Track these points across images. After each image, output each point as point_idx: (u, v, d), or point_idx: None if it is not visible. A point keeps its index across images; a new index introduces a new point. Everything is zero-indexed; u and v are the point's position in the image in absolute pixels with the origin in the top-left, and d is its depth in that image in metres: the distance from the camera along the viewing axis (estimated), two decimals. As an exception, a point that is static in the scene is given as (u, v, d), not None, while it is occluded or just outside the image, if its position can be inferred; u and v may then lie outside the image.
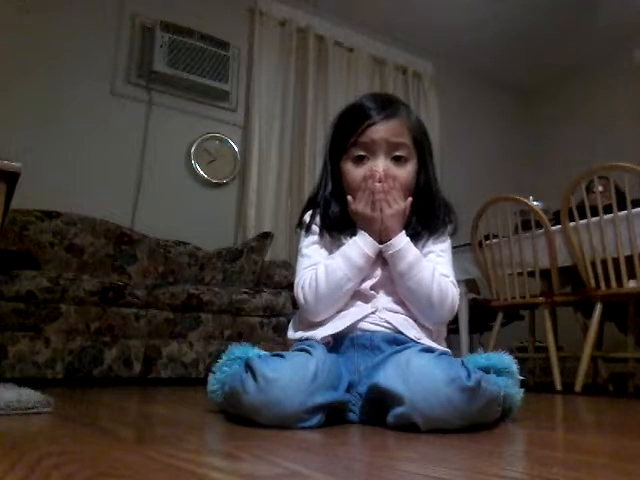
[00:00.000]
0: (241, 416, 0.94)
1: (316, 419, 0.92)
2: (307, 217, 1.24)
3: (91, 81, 3.13)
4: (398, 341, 1.08)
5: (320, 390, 0.92)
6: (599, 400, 2.08)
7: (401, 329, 1.10)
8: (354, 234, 1.16)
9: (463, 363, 0.93)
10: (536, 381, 3.07)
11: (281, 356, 0.97)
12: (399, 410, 0.89)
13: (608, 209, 2.31)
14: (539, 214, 2.54)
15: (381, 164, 1.14)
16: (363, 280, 1.15)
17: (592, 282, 2.39)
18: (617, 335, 2.94)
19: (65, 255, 2.70)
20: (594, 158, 2.82)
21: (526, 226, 2.62)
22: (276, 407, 0.90)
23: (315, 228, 1.22)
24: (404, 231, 1.14)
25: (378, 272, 1.16)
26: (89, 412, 1.26)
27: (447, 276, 1.17)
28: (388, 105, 1.17)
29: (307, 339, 1.11)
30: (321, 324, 1.14)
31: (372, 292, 1.15)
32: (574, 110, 4.51)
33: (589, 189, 2.53)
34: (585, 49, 4.24)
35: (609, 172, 2.43)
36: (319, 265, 1.15)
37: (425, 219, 1.20)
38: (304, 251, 1.22)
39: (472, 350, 3.04)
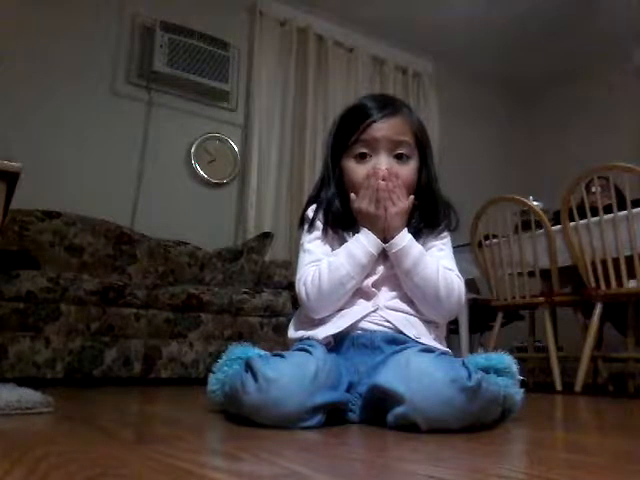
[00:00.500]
0: (241, 416, 0.94)
1: (316, 419, 0.92)
2: (310, 213, 1.24)
3: (91, 81, 3.13)
4: (398, 341, 1.08)
5: (320, 390, 0.92)
6: (599, 400, 2.08)
7: (401, 328, 1.10)
8: (357, 231, 1.16)
9: (464, 363, 0.93)
10: (536, 381, 3.07)
11: (281, 356, 0.97)
12: (399, 410, 0.89)
13: (608, 209, 2.31)
14: (539, 214, 2.54)
15: (384, 162, 1.14)
16: (365, 277, 1.15)
17: (592, 282, 2.39)
18: (617, 335, 2.95)
19: (65, 255, 2.70)
20: (594, 158, 2.82)
21: (526, 226, 2.62)
22: (276, 407, 0.90)
23: (318, 224, 1.22)
24: (406, 229, 1.14)
25: (379, 269, 1.16)
26: (89, 412, 1.26)
27: (451, 269, 1.17)
28: (389, 104, 1.18)
29: (308, 339, 1.11)
30: (322, 323, 1.14)
31: (373, 289, 1.15)
32: (574, 110, 4.51)
33: (589, 189, 2.53)
34: (585, 49, 4.24)
35: (609, 172, 2.43)
36: (322, 262, 1.15)
37: (426, 217, 1.20)
38: (306, 246, 1.22)
39: (472, 350, 3.04)
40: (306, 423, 0.91)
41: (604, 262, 2.33)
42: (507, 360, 1.10)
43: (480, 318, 3.26)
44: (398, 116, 1.16)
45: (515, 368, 1.10)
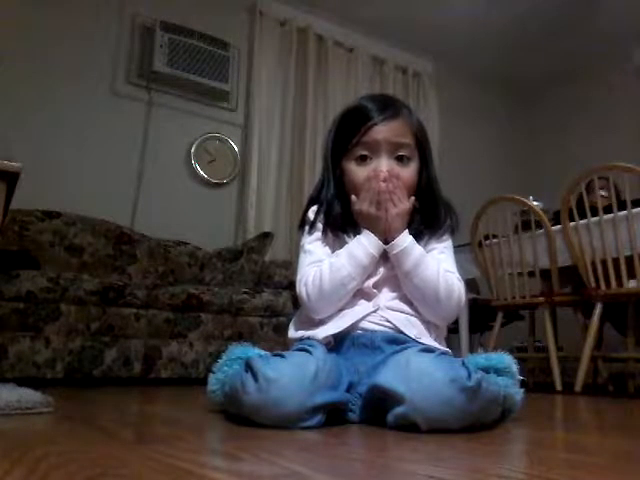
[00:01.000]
0: (241, 416, 0.94)
1: (316, 419, 0.92)
2: (311, 214, 1.24)
3: (91, 81, 3.13)
4: (398, 341, 1.09)
5: (320, 390, 0.92)
6: (599, 400, 2.08)
7: (402, 328, 1.10)
8: (357, 233, 1.16)
9: (464, 363, 0.93)
10: (536, 381, 3.07)
11: (281, 356, 0.97)
12: (399, 410, 0.89)
13: (608, 209, 2.31)
14: (539, 214, 2.54)
15: (385, 164, 1.14)
16: (366, 278, 1.15)
17: (592, 282, 2.39)
18: (617, 335, 2.95)
19: (65, 255, 2.70)
20: (594, 158, 2.82)
21: (526, 226, 2.62)
22: (276, 407, 0.90)
23: (319, 225, 1.22)
24: (407, 230, 1.14)
25: (380, 270, 1.16)
26: (89, 412, 1.26)
27: (451, 271, 1.17)
28: (390, 105, 1.18)
29: (308, 338, 1.11)
30: (322, 323, 1.14)
31: (374, 290, 1.15)
32: (574, 110, 4.51)
33: (589, 189, 2.53)
34: (585, 49, 4.24)
35: (609, 172, 2.43)
36: (323, 262, 1.15)
37: (427, 218, 1.20)
38: (307, 247, 1.22)
39: (472, 350, 3.04)
40: (306, 423, 0.91)
41: (604, 262, 2.33)
42: (507, 360, 1.10)
43: (480, 318, 3.26)
44: (399, 118, 1.16)
45: (515, 368, 1.10)
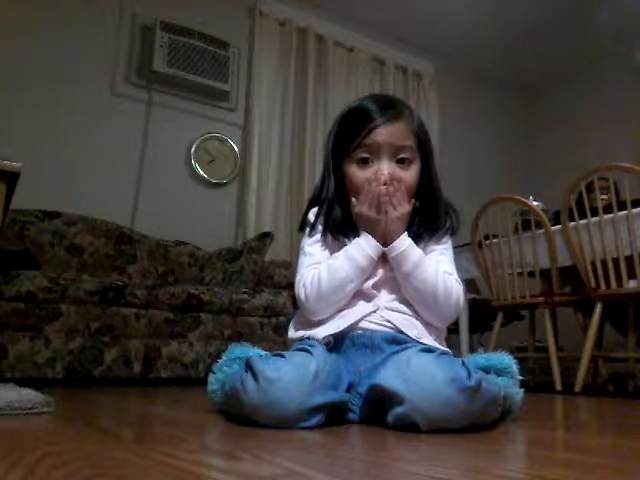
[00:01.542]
0: (242, 416, 0.94)
1: (316, 419, 0.92)
2: (311, 216, 1.24)
3: (91, 81, 3.13)
4: (398, 340, 1.09)
5: (320, 390, 0.92)
6: (599, 400, 2.08)
7: (402, 328, 1.10)
8: (357, 236, 1.17)
9: (464, 363, 0.93)
10: (536, 381, 3.07)
11: (282, 356, 0.97)
12: (399, 410, 0.89)
13: (608, 209, 2.31)
14: (539, 214, 2.54)
15: (386, 167, 1.13)
16: (365, 279, 1.15)
17: (592, 282, 2.39)
18: (617, 335, 2.95)
19: (65, 255, 2.70)
20: (594, 158, 2.82)
21: (526, 226, 2.62)
22: (276, 407, 0.90)
23: (319, 227, 1.22)
24: (406, 232, 1.14)
25: (379, 271, 1.16)
26: (89, 412, 1.26)
27: (450, 273, 1.17)
28: (391, 107, 1.17)
29: (308, 338, 1.11)
30: (322, 323, 1.14)
31: (374, 291, 1.15)
32: (574, 110, 4.51)
33: (589, 189, 2.53)
34: (585, 49, 4.24)
35: (609, 172, 2.43)
36: (322, 264, 1.16)
37: (427, 220, 1.20)
38: (307, 249, 1.22)
39: (472, 350, 3.04)
40: (306, 423, 0.91)
41: (604, 262, 2.33)
42: (507, 360, 1.10)
43: (480, 318, 3.26)
44: (400, 120, 1.15)
45: (515, 368, 1.10)
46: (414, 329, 1.12)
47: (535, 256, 2.57)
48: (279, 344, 2.46)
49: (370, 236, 1.13)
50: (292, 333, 1.19)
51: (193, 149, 3.39)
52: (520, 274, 2.65)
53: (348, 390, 1.02)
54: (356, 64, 4.00)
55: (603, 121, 4.24)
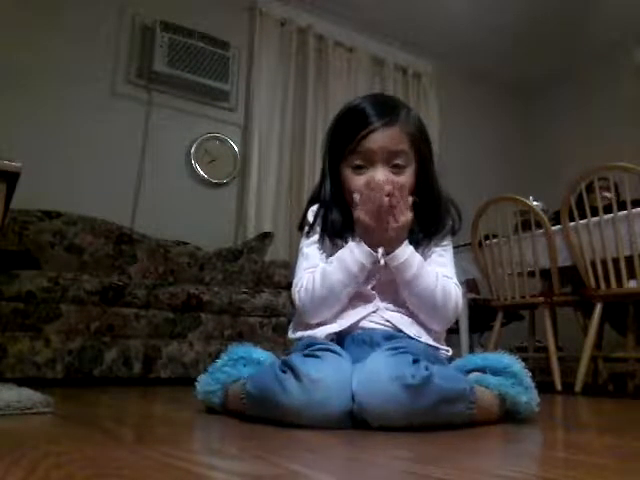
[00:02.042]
0: (273, 417, 0.94)
1: (350, 422, 0.94)
2: (310, 215, 1.24)
3: (91, 81, 3.13)
4: (397, 338, 1.09)
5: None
6: (599, 400, 2.08)
7: (401, 327, 1.11)
8: (352, 235, 1.16)
9: (417, 361, 0.94)
10: (536, 381, 3.06)
11: (315, 356, 0.98)
12: (354, 407, 0.92)
13: (608, 209, 2.31)
14: (539, 214, 2.54)
15: (380, 173, 1.12)
16: (364, 280, 1.15)
17: (592, 282, 2.39)
18: (616, 335, 2.95)
19: (65, 255, 2.70)
20: (594, 158, 2.82)
21: (526, 226, 2.62)
22: (322, 408, 0.90)
23: (317, 228, 1.22)
24: (407, 241, 1.13)
25: (379, 274, 1.16)
26: (89, 412, 1.26)
27: (450, 277, 1.17)
28: (387, 111, 1.15)
29: (309, 337, 1.12)
30: (323, 323, 1.14)
31: (373, 292, 1.15)
32: (574, 110, 4.51)
33: (589, 189, 2.53)
34: (585, 49, 4.24)
35: (609, 172, 2.43)
36: (317, 268, 1.16)
37: (426, 220, 1.19)
38: (305, 251, 1.22)
39: (472, 350, 3.04)
40: (348, 424, 0.93)
41: (604, 262, 2.33)
42: (507, 360, 1.09)
43: (480, 318, 3.26)
44: (396, 125, 1.14)
45: (517, 368, 1.09)
46: (413, 328, 1.12)
47: (535, 256, 2.57)
48: (279, 344, 2.46)
49: (363, 244, 1.12)
50: (293, 333, 1.20)
51: (193, 149, 3.39)
52: (520, 274, 2.65)
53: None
54: (356, 64, 4.00)
55: (603, 121, 4.24)
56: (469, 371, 1.10)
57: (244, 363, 1.11)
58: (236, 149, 3.54)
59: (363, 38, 4.05)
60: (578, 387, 2.34)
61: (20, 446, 0.73)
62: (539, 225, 2.56)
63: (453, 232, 1.24)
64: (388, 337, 1.09)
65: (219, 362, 1.13)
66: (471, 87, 4.60)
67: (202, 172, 3.41)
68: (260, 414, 0.98)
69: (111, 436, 0.86)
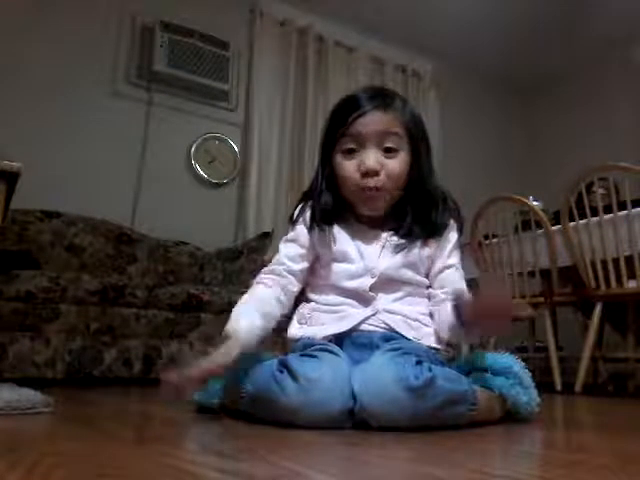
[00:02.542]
0: (271, 418, 0.94)
1: (351, 421, 0.93)
2: (298, 210, 1.24)
3: (91, 81, 3.13)
4: (396, 339, 1.09)
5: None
6: (599, 400, 2.08)
7: (400, 331, 1.10)
8: (345, 225, 1.17)
9: (420, 363, 0.93)
10: (536, 381, 3.06)
11: (312, 356, 0.98)
12: (355, 407, 0.92)
13: (608, 209, 2.31)
14: (539, 214, 2.54)
15: (371, 157, 1.12)
16: (360, 276, 1.14)
17: (592, 282, 2.39)
18: (616, 335, 2.95)
19: (65, 255, 2.70)
20: (594, 158, 2.82)
21: (526, 226, 2.62)
22: (320, 408, 0.90)
23: (301, 228, 1.21)
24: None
25: (376, 271, 1.15)
26: (89, 412, 1.26)
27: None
28: (380, 96, 1.15)
29: (308, 338, 1.11)
30: (321, 324, 1.14)
31: (371, 294, 1.14)
32: (574, 110, 4.51)
33: (589, 189, 2.53)
34: (585, 49, 4.24)
35: (608, 172, 2.43)
36: (254, 290, 1.15)
37: (420, 216, 1.18)
38: (281, 245, 1.23)
39: (472, 350, 3.04)
40: (347, 424, 0.93)
41: (604, 262, 2.33)
42: (507, 361, 1.09)
43: (480, 318, 3.25)
44: (388, 109, 1.14)
45: (518, 368, 1.09)
46: (412, 330, 1.12)
47: (535, 256, 2.57)
48: (278, 344, 2.45)
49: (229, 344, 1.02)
50: (291, 332, 1.19)
51: (193, 149, 3.39)
52: (520, 274, 2.65)
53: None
54: (356, 64, 4.00)
55: (603, 121, 4.24)
56: (470, 371, 1.10)
57: (247, 362, 1.10)
58: (236, 149, 3.54)
59: (363, 38, 4.05)
60: (578, 387, 2.34)
61: (20, 446, 0.73)
62: (539, 225, 2.56)
63: (460, 230, 1.23)
64: (388, 339, 1.09)
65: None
66: (471, 87, 4.60)
67: (202, 172, 3.41)
68: (258, 413, 0.98)
69: (111, 436, 0.86)
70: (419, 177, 1.18)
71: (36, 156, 2.78)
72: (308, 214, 1.21)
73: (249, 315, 1.08)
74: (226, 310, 2.52)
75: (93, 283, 2.19)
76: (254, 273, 1.20)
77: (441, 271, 1.19)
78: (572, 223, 2.44)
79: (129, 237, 2.92)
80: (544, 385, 2.80)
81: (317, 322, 1.15)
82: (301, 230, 1.21)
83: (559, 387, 2.45)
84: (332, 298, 1.17)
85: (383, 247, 1.17)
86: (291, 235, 1.22)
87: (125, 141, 3.19)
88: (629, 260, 2.23)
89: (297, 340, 1.15)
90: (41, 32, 3.01)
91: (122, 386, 2.10)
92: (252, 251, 2.93)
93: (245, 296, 1.14)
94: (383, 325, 1.11)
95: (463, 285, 1.18)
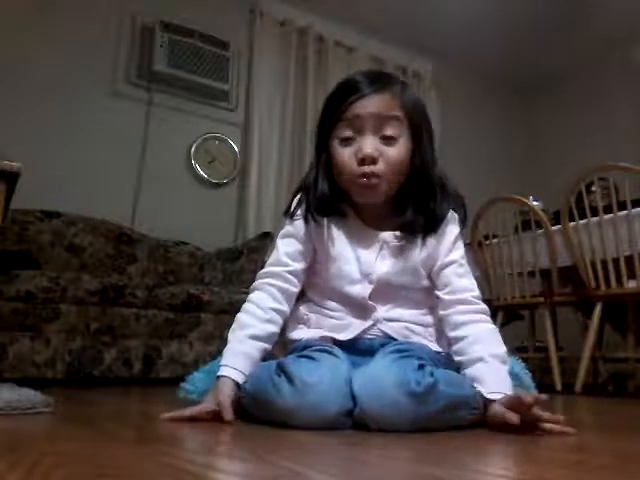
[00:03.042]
0: (268, 419, 0.94)
1: (350, 421, 0.93)
2: (294, 204, 1.18)
3: (91, 81, 3.13)
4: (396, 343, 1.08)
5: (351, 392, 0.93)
6: (599, 400, 2.08)
7: (401, 339, 1.09)
8: (342, 215, 1.14)
9: (422, 367, 0.92)
10: (536, 381, 3.06)
11: (310, 358, 0.97)
12: (355, 410, 0.91)
13: (608, 209, 2.31)
14: (539, 214, 2.54)
15: (369, 144, 1.05)
16: (358, 282, 1.11)
17: (592, 282, 2.39)
18: (616, 335, 2.95)
19: (65, 255, 2.70)
20: (594, 158, 2.82)
21: (526, 226, 2.62)
22: (317, 411, 0.89)
23: (299, 222, 1.15)
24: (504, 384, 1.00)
25: (374, 276, 1.11)
26: (89, 412, 1.26)
27: (472, 290, 1.12)
28: (379, 79, 1.10)
29: (307, 340, 1.11)
30: (319, 327, 1.13)
31: (370, 303, 1.11)
32: (574, 110, 4.50)
33: (589, 189, 2.53)
34: (585, 49, 4.23)
35: (608, 172, 2.43)
36: (253, 306, 1.19)
37: (420, 205, 1.12)
38: (278, 242, 1.18)
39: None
40: (346, 425, 0.92)
41: (604, 262, 2.33)
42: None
43: (480, 318, 3.25)
44: (387, 91, 1.07)
45: (518, 369, 1.09)
46: (414, 336, 1.10)
47: (535, 256, 2.57)
48: (278, 344, 2.45)
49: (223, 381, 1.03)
50: (289, 333, 1.19)
51: (193, 149, 3.39)
52: (520, 274, 2.65)
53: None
54: (356, 64, 3.99)
55: (603, 121, 4.23)
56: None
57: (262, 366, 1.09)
58: (236, 149, 3.54)
59: (363, 38, 4.05)
60: (578, 387, 2.34)
61: (20, 446, 0.73)
62: (539, 225, 2.56)
63: (463, 223, 1.18)
64: (387, 342, 1.08)
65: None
66: (471, 87, 4.60)
67: (202, 172, 3.41)
68: (256, 413, 0.98)
69: (111, 436, 0.86)
70: (422, 165, 1.11)
71: (36, 156, 2.78)
72: (303, 207, 1.16)
73: (247, 347, 1.13)
74: (226, 310, 2.55)
75: (93, 283, 2.19)
76: (254, 273, 1.19)
77: (442, 269, 1.13)
78: (572, 223, 2.44)
79: (129, 237, 2.92)
80: (544, 385, 2.80)
81: (316, 325, 1.14)
82: (300, 224, 1.15)
83: (559, 387, 2.45)
84: (332, 304, 1.14)
85: (381, 250, 1.12)
86: (289, 230, 1.17)
87: (125, 141, 3.19)
88: (629, 260, 2.23)
89: (295, 341, 1.14)
90: (41, 32, 3.01)
91: (122, 386, 2.10)
92: (252, 251, 2.93)
93: (244, 319, 1.18)
94: (382, 335, 1.10)
95: (468, 281, 1.13)
